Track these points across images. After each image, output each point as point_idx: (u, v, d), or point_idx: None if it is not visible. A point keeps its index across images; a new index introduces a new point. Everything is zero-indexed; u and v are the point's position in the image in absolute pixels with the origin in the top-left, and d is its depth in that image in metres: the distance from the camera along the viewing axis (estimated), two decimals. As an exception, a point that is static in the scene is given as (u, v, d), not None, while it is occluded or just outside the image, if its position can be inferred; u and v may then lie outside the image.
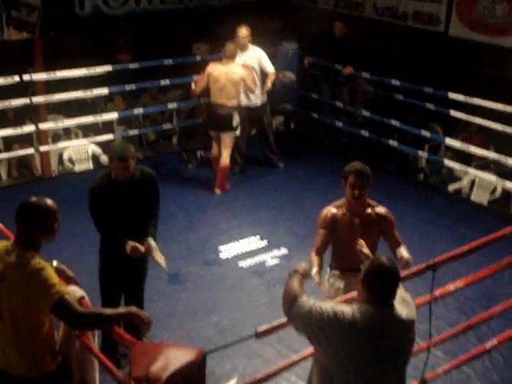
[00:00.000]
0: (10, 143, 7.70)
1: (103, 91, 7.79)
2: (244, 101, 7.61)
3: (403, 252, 4.03)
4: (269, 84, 7.77)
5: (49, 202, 3.16)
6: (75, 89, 7.62)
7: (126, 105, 8.62)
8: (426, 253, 5.95)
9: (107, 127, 8.46)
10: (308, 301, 2.95)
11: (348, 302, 3.27)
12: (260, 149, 8.22)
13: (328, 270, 4.24)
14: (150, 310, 4.74)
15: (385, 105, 8.40)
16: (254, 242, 6.34)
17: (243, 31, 7.51)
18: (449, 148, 8.12)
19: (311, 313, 2.89)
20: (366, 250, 3.85)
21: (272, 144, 8.20)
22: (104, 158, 7.87)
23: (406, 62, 8.27)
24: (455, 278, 4.16)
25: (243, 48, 7.55)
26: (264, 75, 7.79)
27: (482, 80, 7.77)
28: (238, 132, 7.33)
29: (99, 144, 7.96)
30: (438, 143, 8.28)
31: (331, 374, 2.92)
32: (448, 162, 7.75)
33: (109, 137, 7.93)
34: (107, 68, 7.68)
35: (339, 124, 8.72)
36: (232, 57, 7.23)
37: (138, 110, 8.28)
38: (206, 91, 7.41)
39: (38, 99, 7.32)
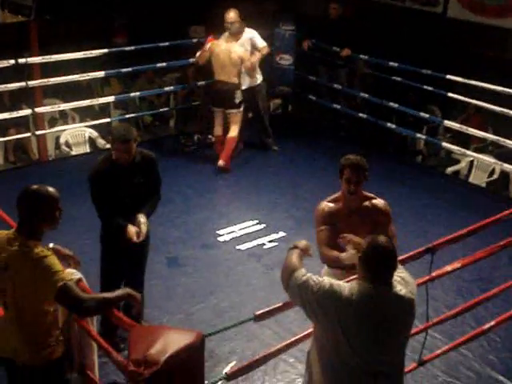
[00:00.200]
0: (5, 128, 7.67)
1: (99, 74, 7.75)
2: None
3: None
4: (257, 56, 7.51)
5: (50, 189, 3.13)
6: (71, 73, 7.58)
7: (122, 88, 8.58)
8: (424, 235, 5.99)
9: (104, 111, 8.42)
10: (306, 274, 2.96)
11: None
12: (256, 132, 8.20)
13: (325, 266, 4.07)
14: (148, 293, 4.77)
15: (383, 87, 8.36)
16: (251, 226, 6.34)
17: (231, 14, 7.31)
18: (447, 130, 8.10)
19: (308, 285, 2.90)
20: (356, 239, 3.67)
21: (267, 127, 8.13)
22: (101, 142, 7.85)
23: (404, 43, 8.22)
24: (453, 260, 4.16)
25: (232, 33, 7.38)
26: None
27: (481, 62, 7.73)
28: (242, 109, 7.35)
29: (96, 127, 7.93)
30: (436, 125, 8.26)
31: (329, 350, 2.93)
32: (446, 144, 7.74)
33: (105, 120, 7.90)
34: (103, 51, 7.63)
35: (337, 106, 8.69)
36: (236, 35, 7.21)
37: (135, 93, 8.25)
38: (206, 71, 7.38)
39: (34, 83, 7.28)
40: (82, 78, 7.73)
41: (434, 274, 3.88)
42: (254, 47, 7.61)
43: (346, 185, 3.87)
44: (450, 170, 7.87)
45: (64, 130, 7.83)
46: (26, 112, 7.41)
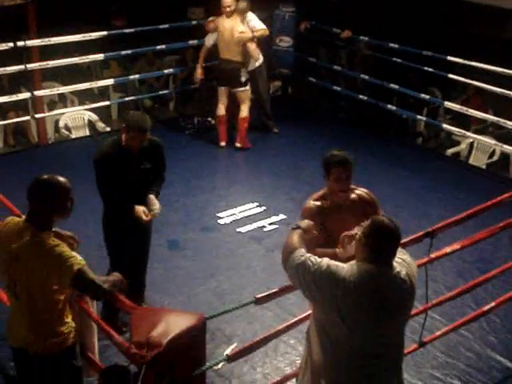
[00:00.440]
0: (5, 111, 7.65)
1: (99, 57, 7.71)
2: None
3: None
4: (249, 34, 7.28)
5: (62, 179, 3.08)
6: (70, 55, 7.54)
7: (121, 71, 8.54)
8: (424, 217, 5.99)
9: (103, 94, 8.39)
10: (304, 254, 2.96)
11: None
12: (256, 114, 8.18)
13: None
14: (149, 275, 4.78)
15: (383, 68, 8.32)
16: (252, 208, 6.34)
17: None
18: (447, 112, 8.07)
19: (306, 265, 2.89)
20: (351, 233, 3.36)
21: (267, 109, 8.11)
22: (100, 125, 7.83)
23: (404, 24, 8.16)
24: (453, 242, 4.16)
25: (229, 16, 7.28)
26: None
27: (481, 42, 7.69)
28: (249, 87, 7.38)
29: (95, 111, 7.90)
30: (436, 107, 8.23)
31: (328, 331, 2.92)
32: (446, 126, 7.72)
33: (105, 103, 7.87)
34: (103, 33, 7.59)
35: (337, 88, 8.65)
36: (241, 12, 7.18)
37: (134, 76, 8.21)
38: (209, 53, 7.37)
39: (33, 66, 7.24)
40: (81, 61, 7.70)
41: (433, 255, 3.88)
42: (252, 29, 7.55)
43: (336, 184, 3.66)
44: (450, 151, 7.86)
45: (63, 114, 7.81)
46: (25, 95, 7.38)
